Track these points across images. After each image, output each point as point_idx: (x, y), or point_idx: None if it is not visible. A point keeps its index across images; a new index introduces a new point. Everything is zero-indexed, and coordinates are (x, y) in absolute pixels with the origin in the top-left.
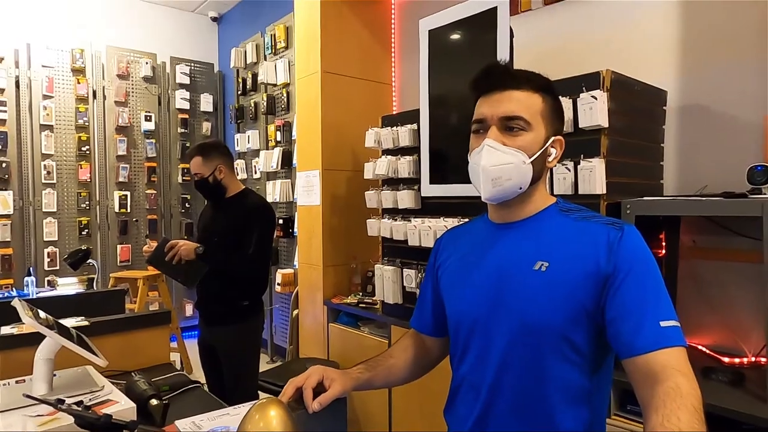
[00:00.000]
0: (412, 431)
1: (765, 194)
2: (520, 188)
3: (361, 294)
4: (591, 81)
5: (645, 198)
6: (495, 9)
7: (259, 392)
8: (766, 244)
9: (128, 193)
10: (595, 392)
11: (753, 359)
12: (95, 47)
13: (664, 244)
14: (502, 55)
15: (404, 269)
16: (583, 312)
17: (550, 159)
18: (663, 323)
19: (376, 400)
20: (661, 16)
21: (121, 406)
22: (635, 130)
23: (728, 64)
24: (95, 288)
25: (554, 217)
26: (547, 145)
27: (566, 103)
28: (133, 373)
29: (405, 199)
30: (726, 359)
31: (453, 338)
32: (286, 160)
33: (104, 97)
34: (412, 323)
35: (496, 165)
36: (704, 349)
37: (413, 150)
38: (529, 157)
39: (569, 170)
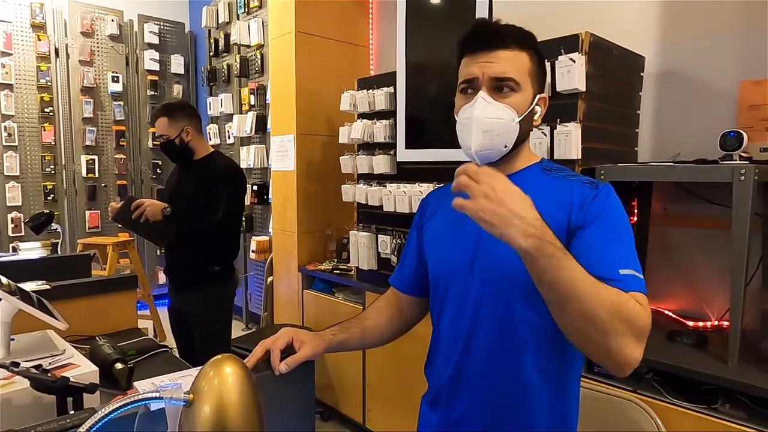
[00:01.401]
0: (385, 396)
1: (736, 161)
2: (505, 146)
3: (336, 260)
4: (569, 43)
5: (619, 164)
6: None
7: None
8: (734, 209)
9: (96, 157)
10: (566, 345)
11: (716, 323)
12: (56, 2)
13: (636, 211)
14: (481, 17)
15: (379, 235)
16: None
17: (535, 117)
18: (622, 271)
19: (350, 365)
20: None
21: (82, 370)
22: (612, 95)
23: (705, 31)
24: (59, 253)
25: (535, 175)
26: (534, 104)
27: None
28: (97, 338)
29: (380, 164)
30: (690, 323)
31: (433, 295)
32: (261, 124)
33: (68, 56)
34: (391, 281)
35: (489, 117)
36: (670, 313)
37: (389, 114)
38: (518, 116)
39: (545, 135)
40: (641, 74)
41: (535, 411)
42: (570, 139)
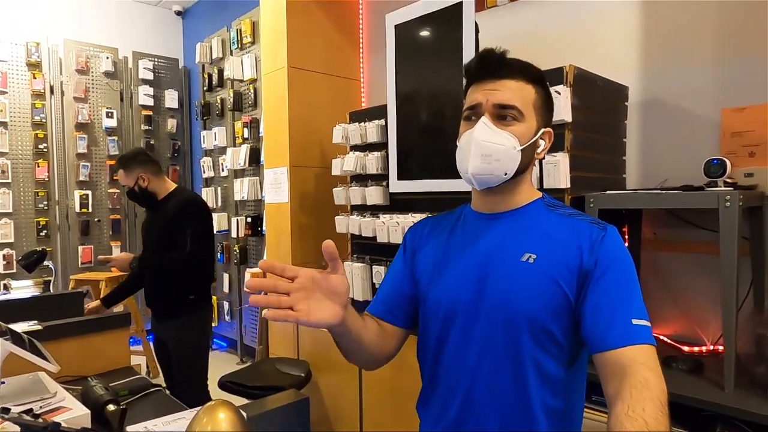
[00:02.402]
0: (382, 429)
1: (721, 187)
2: (506, 173)
3: None
4: (555, 76)
5: (608, 192)
6: (461, 4)
7: (224, 392)
8: (722, 235)
9: (89, 192)
10: (572, 385)
11: (711, 347)
12: (52, 41)
13: (626, 236)
14: (468, 50)
15: (373, 266)
16: (565, 304)
17: (538, 150)
18: (635, 321)
19: (346, 398)
20: (623, 13)
21: (74, 413)
22: (598, 125)
23: (687, 61)
24: (52, 291)
25: (540, 211)
26: (537, 136)
27: None
28: (89, 379)
29: (373, 195)
30: (686, 348)
31: (428, 326)
32: (254, 157)
33: (62, 93)
34: (373, 310)
35: (488, 141)
36: (665, 338)
37: (381, 146)
38: (520, 145)
39: (534, 165)
40: (625, 103)
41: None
42: (559, 169)
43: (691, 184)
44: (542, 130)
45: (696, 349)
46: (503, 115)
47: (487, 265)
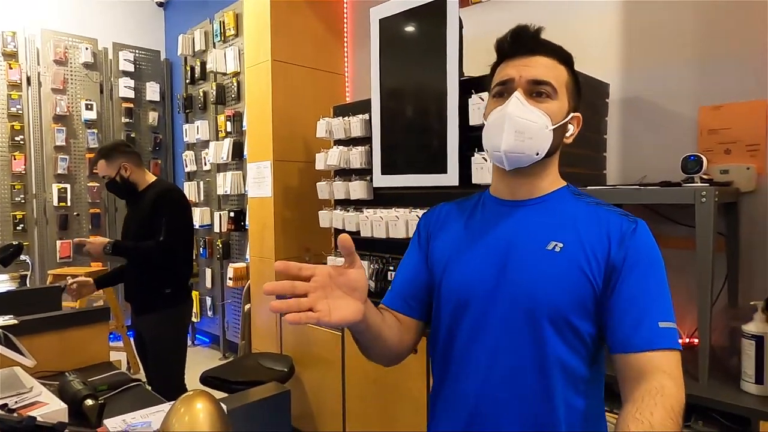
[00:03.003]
0: (366, 423)
1: (697, 183)
2: (537, 153)
3: None
4: None
5: (589, 187)
6: (445, 0)
7: (206, 387)
8: (698, 230)
9: (68, 185)
10: (593, 384)
11: (687, 340)
12: (29, 30)
13: None
14: (452, 46)
15: None
16: (592, 297)
17: (567, 134)
18: (662, 324)
19: (329, 391)
20: (605, 11)
21: (51, 408)
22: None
23: (666, 59)
24: (29, 285)
25: (567, 199)
26: (567, 119)
27: None
28: (67, 374)
29: (357, 189)
30: None
31: (439, 315)
32: (237, 151)
33: (40, 84)
34: (388, 302)
35: (522, 117)
36: None
37: (365, 140)
38: (553, 124)
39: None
40: (606, 100)
41: None
42: None
43: (669, 180)
44: (572, 114)
45: None
46: (537, 91)
47: (509, 253)
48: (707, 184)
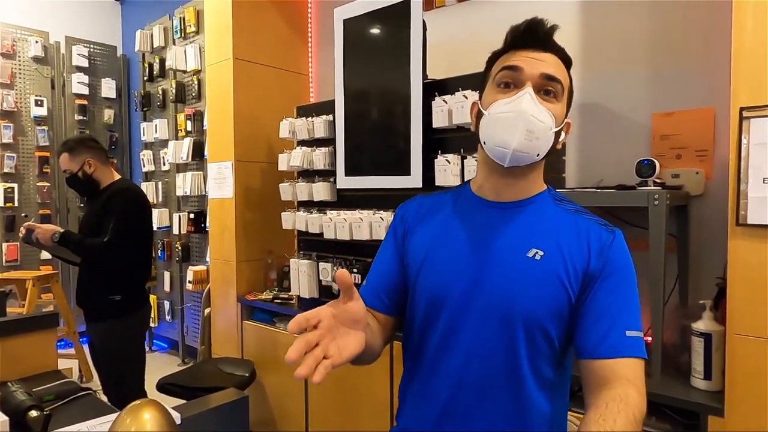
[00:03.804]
0: (329, 426)
1: (650, 186)
2: (538, 155)
3: (277, 289)
4: None
5: None
6: (408, 2)
7: (163, 394)
8: (651, 231)
9: (15, 185)
10: (559, 387)
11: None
12: None
13: None
14: (416, 49)
15: (320, 263)
16: (567, 306)
17: (560, 139)
18: (629, 333)
19: (291, 395)
20: (564, 18)
21: None
22: None
23: (622, 66)
24: None
25: (549, 205)
26: (563, 123)
27: (475, 97)
28: (9, 384)
29: (320, 191)
30: None
31: (413, 313)
32: (198, 151)
33: None
34: (365, 301)
35: (535, 116)
36: None
37: (329, 141)
38: (555, 127)
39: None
40: None
41: None
42: None
43: (624, 183)
44: (566, 120)
45: None
46: (548, 88)
47: (488, 257)
48: (660, 188)
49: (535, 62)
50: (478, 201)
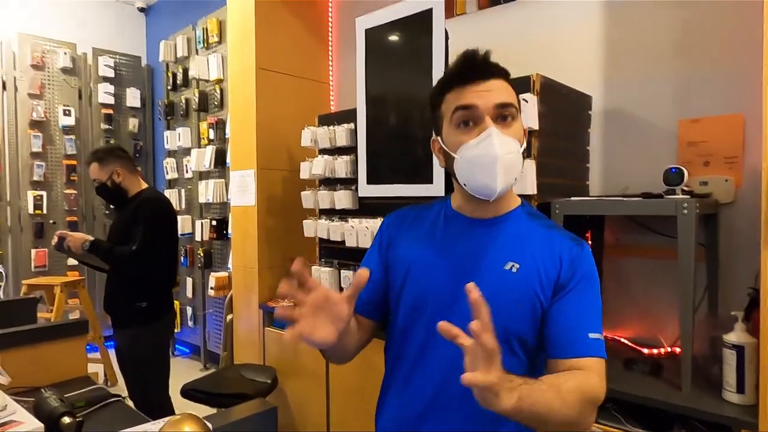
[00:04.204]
0: None
1: (678, 195)
2: (515, 179)
3: None
4: (522, 84)
5: (572, 198)
6: (430, 11)
7: (186, 400)
8: (680, 241)
9: (44, 193)
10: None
11: (669, 349)
12: (5, 34)
13: (590, 242)
14: (438, 57)
15: (342, 270)
16: (539, 313)
17: (524, 150)
18: (592, 335)
19: (314, 403)
20: (588, 24)
21: (26, 428)
22: (564, 132)
23: (647, 72)
24: (2, 296)
25: (524, 221)
26: (524, 137)
27: None
28: (43, 390)
29: (342, 199)
30: (645, 350)
31: (398, 315)
32: (220, 159)
33: (15, 89)
34: None
35: (508, 154)
36: (626, 341)
37: (350, 150)
38: (521, 147)
39: None
40: (589, 112)
41: None
42: (526, 175)
43: (650, 191)
44: (523, 129)
45: (655, 351)
46: (504, 115)
47: (470, 269)
48: (688, 196)
49: (485, 94)
50: (459, 217)
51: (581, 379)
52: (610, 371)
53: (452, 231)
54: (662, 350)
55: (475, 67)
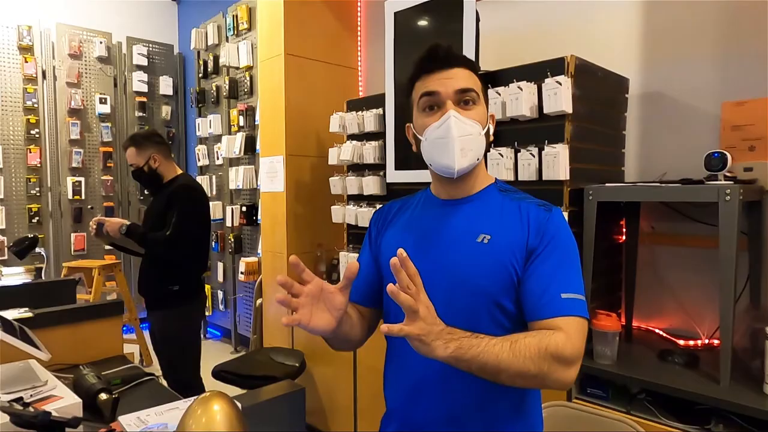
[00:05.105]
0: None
1: (721, 181)
2: (477, 159)
3: (326, 281)
4: (556, 67)
5: (607, 184)
6: None
7: (218, 381)
8: (721, 229)
9: (82, 179)
10: None
11: (707, 341)
12: (44, 24)
13: (624, 230)
14: (468, 40)
15: None
16: (514, 280)
17: (490, 134)
18: (564, 295)
19: (340, 387)
20: (624, 4)
21: (65, 402)
22: (598, 116)
23: (687, 54)
24: (44, 278)
25: (495, 196)
26: (488, 121)
27: (531, 88)
28: (81, 367)
29: (370, 185)
30: (681, 342)
31: (387, 303)
32: (249, 145)
33: (55, 78)
34: (350, 296)
35: (463, 135)
36: (660, 332)
37: (379, 135)
38: (482, 129)
39: (533, 156)
40: (626, 95)
41: (500, 413)
42: (558, 160)
43: (690, 177)
44: (489, 113)
45: (691, 342)
46: (465, 99)
47: (449, 247)
48: (731, 182)
49: (447, 81)
50: (435, 200)
51: (544, 335)
52: (642, 362)
53: (429, 214)
54: (699, 342)
55: (438, 58)
